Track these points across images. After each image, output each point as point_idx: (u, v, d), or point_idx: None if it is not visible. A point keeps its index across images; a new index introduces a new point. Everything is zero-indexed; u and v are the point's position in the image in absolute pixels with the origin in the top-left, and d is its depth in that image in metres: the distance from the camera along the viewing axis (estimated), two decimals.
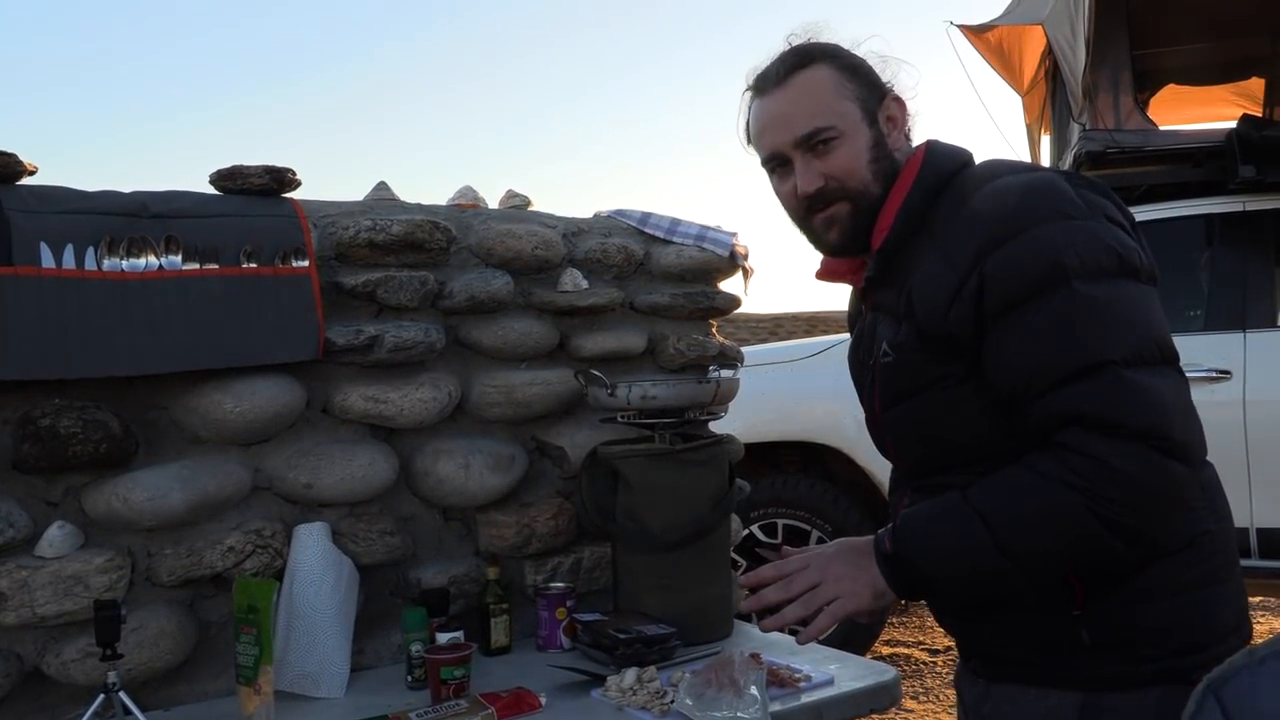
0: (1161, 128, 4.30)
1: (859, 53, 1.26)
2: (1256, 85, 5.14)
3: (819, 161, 1.21)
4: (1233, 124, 3.78)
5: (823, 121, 1.20)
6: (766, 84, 1.25)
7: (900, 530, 1.15)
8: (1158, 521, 1.05)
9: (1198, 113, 5.32)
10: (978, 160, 1.25)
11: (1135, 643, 1.10)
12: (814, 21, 1.27)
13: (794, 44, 1.26)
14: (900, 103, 1.25)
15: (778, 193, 1.28)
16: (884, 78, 1.26)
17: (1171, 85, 5.26)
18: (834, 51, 1.25)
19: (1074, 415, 1.04)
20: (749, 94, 1.28)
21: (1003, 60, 5.47)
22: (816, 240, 1.28)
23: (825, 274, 1.35)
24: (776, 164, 1.25)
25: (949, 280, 1.12)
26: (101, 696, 1.44)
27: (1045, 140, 5.48)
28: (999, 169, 1.19)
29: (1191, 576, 1.12)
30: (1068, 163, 4.39)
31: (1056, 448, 1.05)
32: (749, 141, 1.30)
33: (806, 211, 1.24)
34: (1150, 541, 1.06)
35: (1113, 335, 1.05)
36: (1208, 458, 1.20)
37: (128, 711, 1.45)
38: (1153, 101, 5.06)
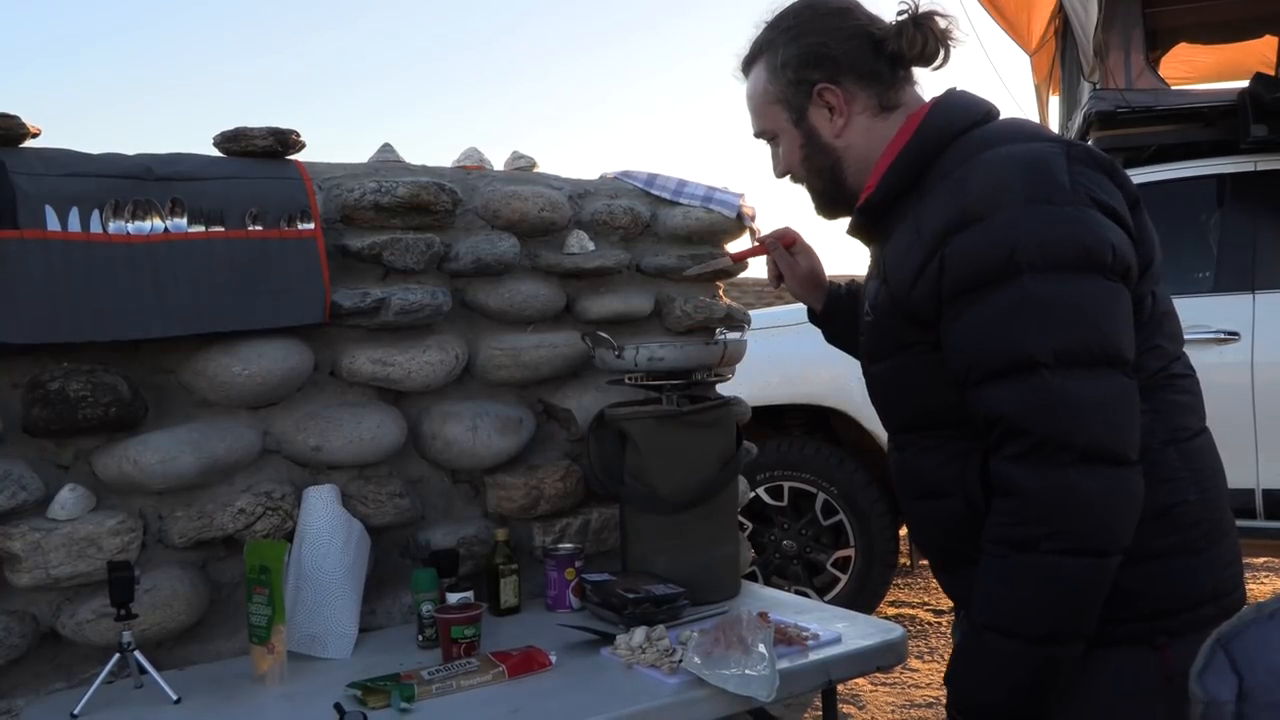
0: (1173, 87, 4.26)
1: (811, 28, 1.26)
2: (1269, 44, 5.07)
3: (778, 151, 1.34)
4: (1245, 83, 3.74)
5: (761, 126, 1.34)
6: (740, 72, 1.35)
7: (956, 698, 1.15)
8: (1107, 523, 1.04)
9: (1209, 71, 5.26)
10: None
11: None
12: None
13: (756, 27, 1.31)
14: (834, 90, 1.25)
15: None
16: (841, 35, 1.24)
17: (1183, 43, 5.19)
18: (775, 42, 1.28)
19: (997, 417, 1.07)
20: None
21: (1010, 19, 5.40)
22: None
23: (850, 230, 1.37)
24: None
25: (916, 256, 1.14)
26: (117, 656, 1.47)
27: (1054, 100, 5.43)
28: (1005, 135, 1.16)
29: (1163, 545, 1.11)
30: (1077, 123, 4.35)
31: (993, 494, 1.10)
32: None
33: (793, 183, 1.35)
34: (1124, 532, 1.05)
35: (1048, 335, 1.04)
36: (1206, 424, 1.20)
37: (143, 671, 1.47)
38: (1164, 60, 5.00)
